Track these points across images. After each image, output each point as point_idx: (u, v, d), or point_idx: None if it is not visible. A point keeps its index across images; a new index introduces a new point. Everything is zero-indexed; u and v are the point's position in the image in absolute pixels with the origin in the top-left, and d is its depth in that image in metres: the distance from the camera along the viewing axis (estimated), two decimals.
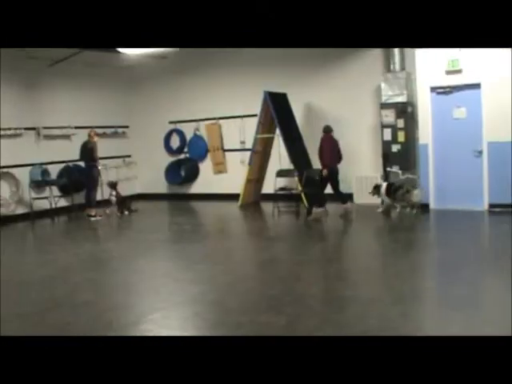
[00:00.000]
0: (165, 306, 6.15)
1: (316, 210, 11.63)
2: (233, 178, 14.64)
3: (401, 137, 12.00)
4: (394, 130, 12.03)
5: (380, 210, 11.42)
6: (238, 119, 14.68)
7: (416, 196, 11.17)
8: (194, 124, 15.60)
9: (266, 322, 5.33)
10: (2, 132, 12.90)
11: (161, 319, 5.70)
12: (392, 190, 11.27)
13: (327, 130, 11.79)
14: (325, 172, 11.55)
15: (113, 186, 13.72)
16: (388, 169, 12.01)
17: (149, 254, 9.01)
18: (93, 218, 12.92)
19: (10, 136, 13.09)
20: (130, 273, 7.83)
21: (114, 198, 13.57)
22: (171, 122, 15.98)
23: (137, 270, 7.94)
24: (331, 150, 11.63)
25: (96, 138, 13.27)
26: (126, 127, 16.32)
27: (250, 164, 13.46)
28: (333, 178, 11.63)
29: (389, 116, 12.04)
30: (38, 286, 7.29)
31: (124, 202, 13.66)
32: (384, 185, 11.44)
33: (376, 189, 11.58)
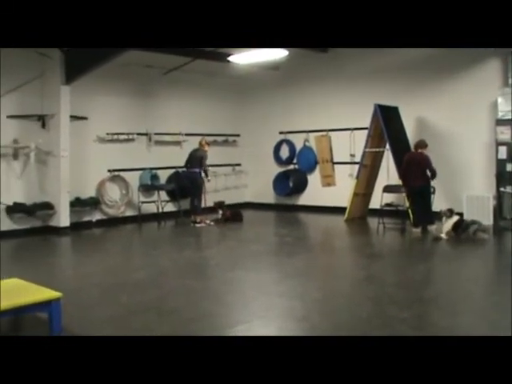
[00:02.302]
0: (250, 320, 6.05)
1: (416, 230, 11.31)
2: (341, 191, 14.39)
3: None
4: (510, 148, 11.39)
5: (445, 236, 10.71)
6: (348, 132, 14.44)
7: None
8: (303, 135, 15.52)
9: None
10: (116, 137, 13.36)
11: (242, 332, 5.60)
12: (463, 227, 10.60)
13: (420, 146, 11.37)
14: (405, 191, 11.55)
15: (219, 206, 13.84)
16: (502, 189, 11.41)
17: (246, 265, 8.97)
18: (198, 225, 13.08)
19: (123, 141, 13.53)
20: (223, 282, 7.80)
21: (220, 217, 13.65)
22: (281, 133, 15.97)
23: (231, 280, 7.90)
24: (416, 168, 11.23)
25: (207, 147, 13.45)
26: (237, 136, 16.45)
27: (357, 178, 13.20)
28: (423, 196, 11.24)
29: (505, 133, 11.41)
30: (132, 289, 7.38)
31: (231, 217, 13.71)
32: (454, 218, 10.72)
33: (450, 212, 10.90)
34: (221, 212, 13.65)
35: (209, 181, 13.87)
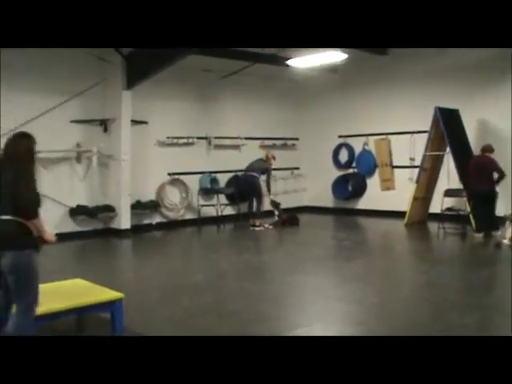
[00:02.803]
0: (309, 323, 6.06)
1: (478, 235, 11.15)
2: (400, 195, 14.22)
3: None
4: None
5: (508, 242, 10.33)
6: (408, 135, 14.26)
7: None
8: (363, 139, 15.41)
9: None
10: (176, 140, 13.54)
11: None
12: None
13: (487, 149, 11.24)
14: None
15: (275, 205, 13.86)
16: None
17: (304, 269, 8.95)
18: (257, 228, 13.13)
19: (182, 144, 13.69)
20: (282, 285, 7.81)
21: (276, 218, 13.68)
22: (340, 136, 15.89)
23: (289, 284, 7.91)
24: (481, 171, 11.09)
25: (273, 161, 13.61)
26: (296, 139, 16.45)
27: (417, 182, 13.04)
28: (487, 201, 11.09)
29: None
30: (192, 292, 7.47)
31: (288, 220, 13.69)
32: None
33: None
34: (277, 213, 13.68)
35: (272, 200, 13.92)
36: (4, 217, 4.57)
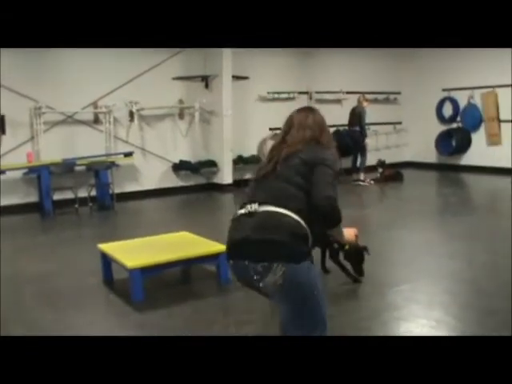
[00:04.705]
0: (414, 279, 5.98)
1: None
2: (507, 150, 13.71)
3: None
4: None
5: None
6: None
7: None
8: (468, 92, 14.83)
9: None
10: (277, 95, 13.50)
11: (408, 292, 5.55)
12: None
13: None
14: None
15: (381, 165, 13.62)
16: None
17: (408, 224, 8.83)
18: (362, 183, 13.00)
19: (284, 99, 13.65)
20: (385, 241, 7.73)
21: (378, 175, 13.48)
22: (444, 90, 15.36)
23: (393, 239, 7.86)
24: None
25: (365, 104, 13.21)
26: (398, 93, 16.07)
27: None
28: None
29: None
30: None
31: (391, 177, 13.46)
32: None
33: None
34: (381, 170, 13.47)
35: (364, 141, 13.44)
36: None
